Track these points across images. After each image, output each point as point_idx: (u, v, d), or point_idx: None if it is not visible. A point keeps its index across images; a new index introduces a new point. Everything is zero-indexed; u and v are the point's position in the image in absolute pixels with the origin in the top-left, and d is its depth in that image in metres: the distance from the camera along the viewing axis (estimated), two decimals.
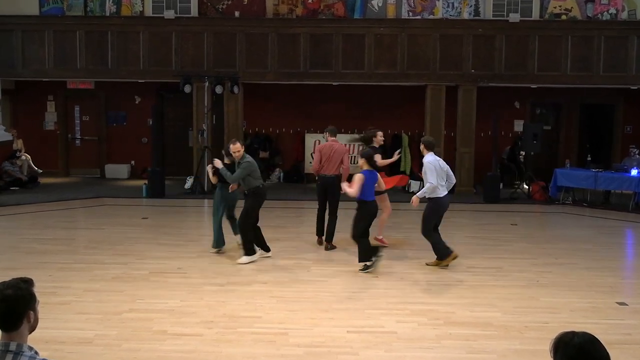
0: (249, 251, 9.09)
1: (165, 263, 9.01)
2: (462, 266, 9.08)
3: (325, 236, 10.22)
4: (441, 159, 9.05)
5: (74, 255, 9.41)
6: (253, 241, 9.13)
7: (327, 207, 10.24)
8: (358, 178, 8.59)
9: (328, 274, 8.59)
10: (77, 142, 18.89)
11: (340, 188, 9.85)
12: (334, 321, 6.70)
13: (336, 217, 10.21)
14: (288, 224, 12.00)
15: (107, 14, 16.99)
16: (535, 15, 16.61)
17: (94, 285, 7.85)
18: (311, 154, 16.13)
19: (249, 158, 9.06)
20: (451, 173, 9.06)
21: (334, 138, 10.41)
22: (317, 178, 10.52)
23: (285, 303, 7.30)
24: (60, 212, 13.27)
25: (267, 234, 9.47)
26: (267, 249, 9.37)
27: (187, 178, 16.24)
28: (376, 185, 8.90)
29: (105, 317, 6.67)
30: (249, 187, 9.07)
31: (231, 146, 9.05)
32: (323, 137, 10.76)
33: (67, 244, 10.23)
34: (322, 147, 10.44)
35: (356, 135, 11.79)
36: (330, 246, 10.11)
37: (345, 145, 10.87)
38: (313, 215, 11.02)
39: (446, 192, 8.93)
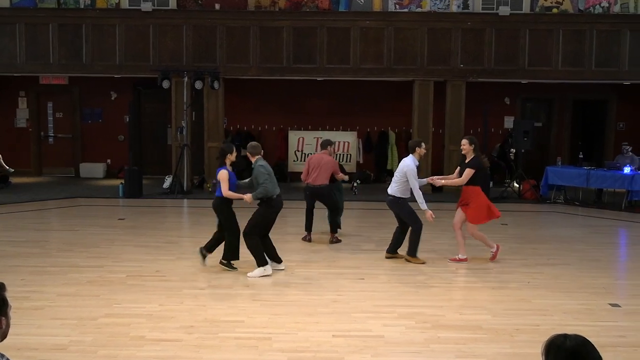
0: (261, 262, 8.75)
1: (142, 266, 8.96)
2: (451, 267, 9.13)
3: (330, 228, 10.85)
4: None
5: (47, 258, 9.33)
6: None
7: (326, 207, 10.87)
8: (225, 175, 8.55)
9: (313, 276, 8.59)
10: (50, 140, 18.78)
11: (329, 195, 10.61)
12: (319, 325, 6.69)
13: (337, 211, 10.82)
14: None
15: (82, 6, 16.88)
16: (526, 8, 16.71)
17: (69, 290, 7.79)
18: (295, 152, 16.16)
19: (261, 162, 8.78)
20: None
21: (324, 150, 10.93)
22: (305, 187, 10.98)
23: (268, 307, 7.29)
24: (32, 213, 13.18)
25: None
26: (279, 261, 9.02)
27: (166, 177, 16.19)
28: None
29: (80, 323, 6.62)
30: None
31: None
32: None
33: (40, 246, 10.14)
34: (311, 158, 10.99)
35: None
36: (334, 239, 10.73)
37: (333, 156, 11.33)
38: (296, 216, 11.07)
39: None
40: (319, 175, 10.59)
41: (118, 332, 6.39)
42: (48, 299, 7.42)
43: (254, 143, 9.01)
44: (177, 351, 5.95)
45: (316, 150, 13.23)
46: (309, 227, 10.89)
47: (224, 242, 8.79)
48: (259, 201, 8.64)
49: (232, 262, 8.73)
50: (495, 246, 9.54)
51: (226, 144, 9.13)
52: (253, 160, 8.73)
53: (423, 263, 9.22)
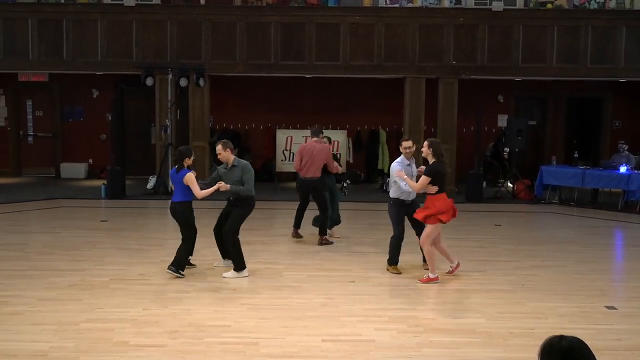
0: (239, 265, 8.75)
1: (126, 269, 8.93)
2: (443, 270, 9.13)
3: (319, 231, 10.72)
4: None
5: (26, 262, 9.28)
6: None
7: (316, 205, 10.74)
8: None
9: (301, 279, 8.59)
10: (29, 139, 18.67)
11: (322, 189, 10.48)
12: (308, 329, 6.70)
13: (326, 210, 10.63)
14: (258, 226, 11.96)
15: (62, 0, 16.80)
16: (520, 3, 16.77)
17: (49, 294, 7.76)
18: (282, 152, 16.15)
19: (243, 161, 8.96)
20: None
21: (316, 138, 10.80)
22: (296, 180, 10.88)
23: (255, 311, 7.28)
24: (11, 215, 13.09)
25: None
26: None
27: (150, 177, 16.13)
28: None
29: (61, 328, 6.59)
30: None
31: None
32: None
33: (20, 249, 10.08)
34: (304, 147, 10.84)
35: None
36: (324, 241, 10.59)
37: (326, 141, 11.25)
38: (284, 217, 11.09)
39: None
40: (310, 166, 10.51)
41: (101, 337, 6.37)
42: (28, 303, 7.38)
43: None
44: (161, 357, 5.94)
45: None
46: (297, 223, 10.91)
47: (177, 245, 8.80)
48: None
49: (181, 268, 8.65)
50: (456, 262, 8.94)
51: (185, 147, 9.25)
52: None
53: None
